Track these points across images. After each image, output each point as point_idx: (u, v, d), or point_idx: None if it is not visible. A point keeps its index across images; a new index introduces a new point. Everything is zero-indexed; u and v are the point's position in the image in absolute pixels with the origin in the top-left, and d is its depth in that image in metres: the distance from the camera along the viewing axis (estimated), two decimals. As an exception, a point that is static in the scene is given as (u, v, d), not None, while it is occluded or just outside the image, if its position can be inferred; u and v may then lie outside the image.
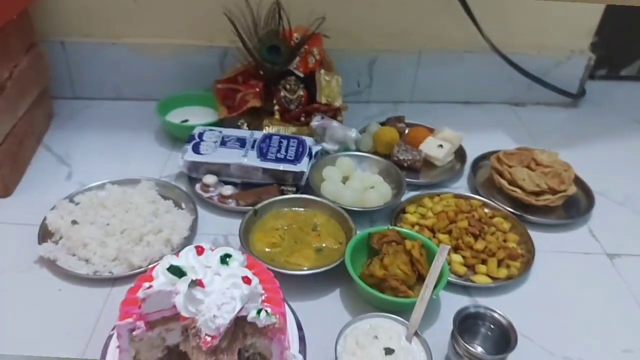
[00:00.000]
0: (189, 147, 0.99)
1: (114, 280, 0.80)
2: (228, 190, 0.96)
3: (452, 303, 0.79)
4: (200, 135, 1.02)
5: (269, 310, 0.63)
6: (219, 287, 0.61)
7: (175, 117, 1.15)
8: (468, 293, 0.83)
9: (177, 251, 0.83)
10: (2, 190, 0.93)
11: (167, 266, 0.62)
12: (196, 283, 0.60)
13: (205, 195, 0.96)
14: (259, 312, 0.62)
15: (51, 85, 1.16)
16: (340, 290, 0.82)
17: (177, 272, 0.62)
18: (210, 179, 0.97)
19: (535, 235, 0.92)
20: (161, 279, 0.62)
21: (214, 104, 1.17)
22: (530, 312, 0.79)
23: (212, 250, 0.67)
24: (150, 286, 0.61)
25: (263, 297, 0.64)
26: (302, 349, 0.70)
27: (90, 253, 0.80)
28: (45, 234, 0.85)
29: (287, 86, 1.09)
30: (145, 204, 0.89)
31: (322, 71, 1.12)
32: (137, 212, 0.86)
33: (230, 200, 0.96)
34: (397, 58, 1.28)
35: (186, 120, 1.13)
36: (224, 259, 0.65)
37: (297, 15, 1.05)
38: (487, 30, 1.24)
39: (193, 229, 0.88)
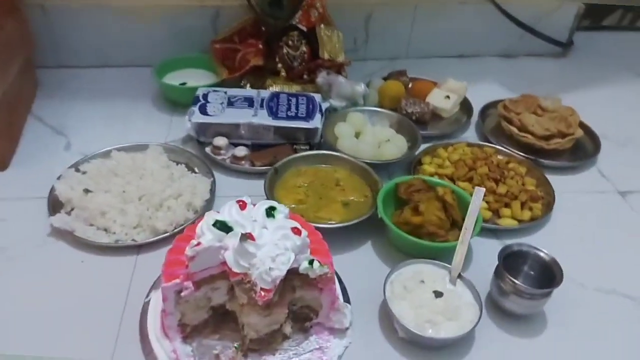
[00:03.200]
0: (196, 108, 0.95)
1: (139, 248, 0.76)
2: (241, 151, 0.93)
3: (482, 246, 0.81)
4: (205, 96, 0.98)
5: (319, 260, 0.61)
6: (270, 239, 0.59)
7: (171, 80, 1.09)
8: (496, 236, 0.83)
9: (200, 214, 0.80)
10: (-1, 164, 0.87)
11: (212, 222, 0.60)
12: (247, 237, 0.58)
13: (218, 157, 0.93)
14: (310, 262, 0.60)
15: (34, 53, 1.08)
16: (371, 241, 0.81)
17: (224, 227, 0.59)
18: (221, 140, 0.93)
19: (549, 178, 0.94)
20: (208, 235, 0.59)
21: (210, 66, 1.12)
22: (558, 250, 0.79)
23: (254, 205, 0.64)
24: (198, 243, 0.58)
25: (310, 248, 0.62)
26: (346, 299, 0.70)
27: (109, 222, 0.76)
28: (55, 205, 0.80)
29: (290, 42, 1.05)
30: (159, 169, 0.84)
31: (322, 26, 1.09)
32: (154, 177, 0.82)
33: (243, 162, 0.93)
34: (392, 13, 1.25)
35: (184, 83, 1.08)
36: (270, 211, 0.63)
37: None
38: (481, -21, 1.23)
39: (212, 192, 0.85)
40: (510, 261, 0.71)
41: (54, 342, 0.64)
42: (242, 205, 0.62)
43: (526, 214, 0.86)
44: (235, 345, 0.63)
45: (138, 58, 1.16)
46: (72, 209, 0.79)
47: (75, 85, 1.11)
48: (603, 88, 1.28)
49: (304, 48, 1.06)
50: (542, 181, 0.93)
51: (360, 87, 1.05)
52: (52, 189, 0.81)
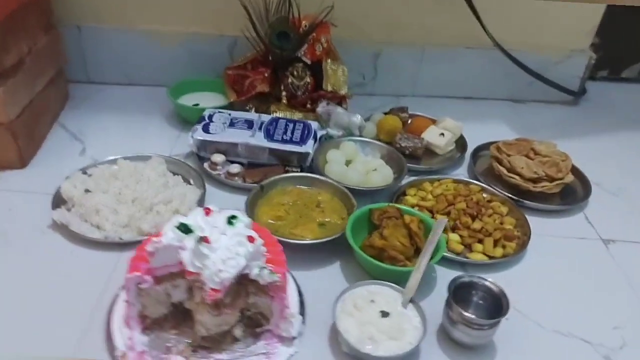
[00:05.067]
0: (199, 127, 1.03)
1: (123, 246, 0.83)
2: (235, 168, 1.00)
3: (449, 278, 0.82)
4: (210, 116, 1.06)
5: (271, 268, 0.66)
6: (225, 244, 0.65)
7: (186, 101, 1.18)
8: (464, 269, 0.85)
9: (185, 221, 0.87)
10: (19, 161, 0.97)
11: (176, 224, 0.66)
12: (202, 239, 0.64)
13: (214, 172, 1.00)
14: (261, 269, 0.65)
15: (67, 68, 1.21)
16: (340, 262, 0.85)
17: (185, 229, 0.65)
18: (218, 157, 1.01)
19: (532, 220, 0.95)
20: (169, 234, 0.65)
21: (224, 90, 1.21)
22: (524, 289, 0.82)
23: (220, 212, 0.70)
24: (159, 241, 0.64)
25: (266, 257, 0.67)
26: (302, 312, 0.74)
27: (102, 219, 0.84)
28: (59, 201, 0.88)
29: (295, 72, 1.13)
30: (155, 177, 0.92)
31: (329, 60, 1.16)
32: (149, 183, 0.90)
33: (237, 178, 0.99)
34: (401, 52, 1.31)
35: (197, 104, 1.17)
36: (230, 219, 0.68)
37: (306, 4, 1.10)
38: (489, 27, 1.27)
39: (201, 202, 0.92)
40: (463, 292, 0.73)
41: (32, 319, 0.71)
42: (207, 212, 0.68)
43: (498, 251, 0.88)
44: (188, 341, 0.68)
45: (159, 78, 1.26)
46: (73, 206, 0.88)
47: (100, 99, 1.23)
48: (608, 138, 1.28)
49: (308, 79, 1.14)
50: (522, 222, 0.94)
51: (357, 119, 1.11)
52: (59, 187, 0.90)
